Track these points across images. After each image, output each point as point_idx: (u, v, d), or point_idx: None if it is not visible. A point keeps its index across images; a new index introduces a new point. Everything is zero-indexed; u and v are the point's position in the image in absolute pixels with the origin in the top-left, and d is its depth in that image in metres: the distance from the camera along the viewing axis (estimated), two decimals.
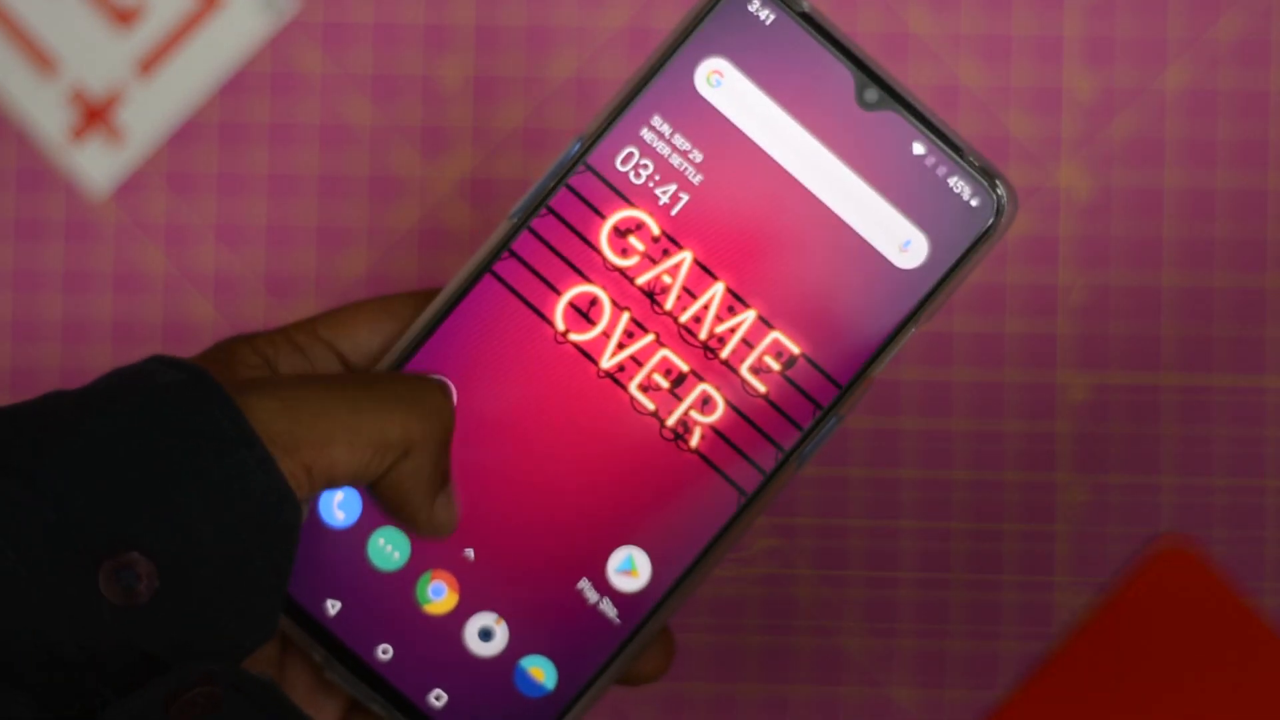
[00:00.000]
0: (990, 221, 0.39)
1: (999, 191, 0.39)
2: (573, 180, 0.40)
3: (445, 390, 0.38)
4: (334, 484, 0.36)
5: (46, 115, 0.60)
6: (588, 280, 0.40)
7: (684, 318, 0.39)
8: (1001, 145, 0.59)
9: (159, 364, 0.34)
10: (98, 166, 0.60)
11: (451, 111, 0.60)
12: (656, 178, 0.39)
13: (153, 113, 0.60)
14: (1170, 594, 0.57)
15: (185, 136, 0.60)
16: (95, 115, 0.60)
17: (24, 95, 0.60)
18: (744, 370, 0.39)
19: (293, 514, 0.34)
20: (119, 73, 0.60)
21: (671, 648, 0.40)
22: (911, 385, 0.59)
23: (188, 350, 0.60)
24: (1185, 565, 0.58)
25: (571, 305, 0.40)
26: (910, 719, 0.58)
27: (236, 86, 0.60)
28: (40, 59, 0.60)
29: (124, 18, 0.60)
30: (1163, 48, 0.59)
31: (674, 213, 0.39)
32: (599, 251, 0.40)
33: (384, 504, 0.38)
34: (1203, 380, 0.59)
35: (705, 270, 0.39)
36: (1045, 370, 0.59)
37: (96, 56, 0.60)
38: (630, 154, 0.39)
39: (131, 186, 0.60)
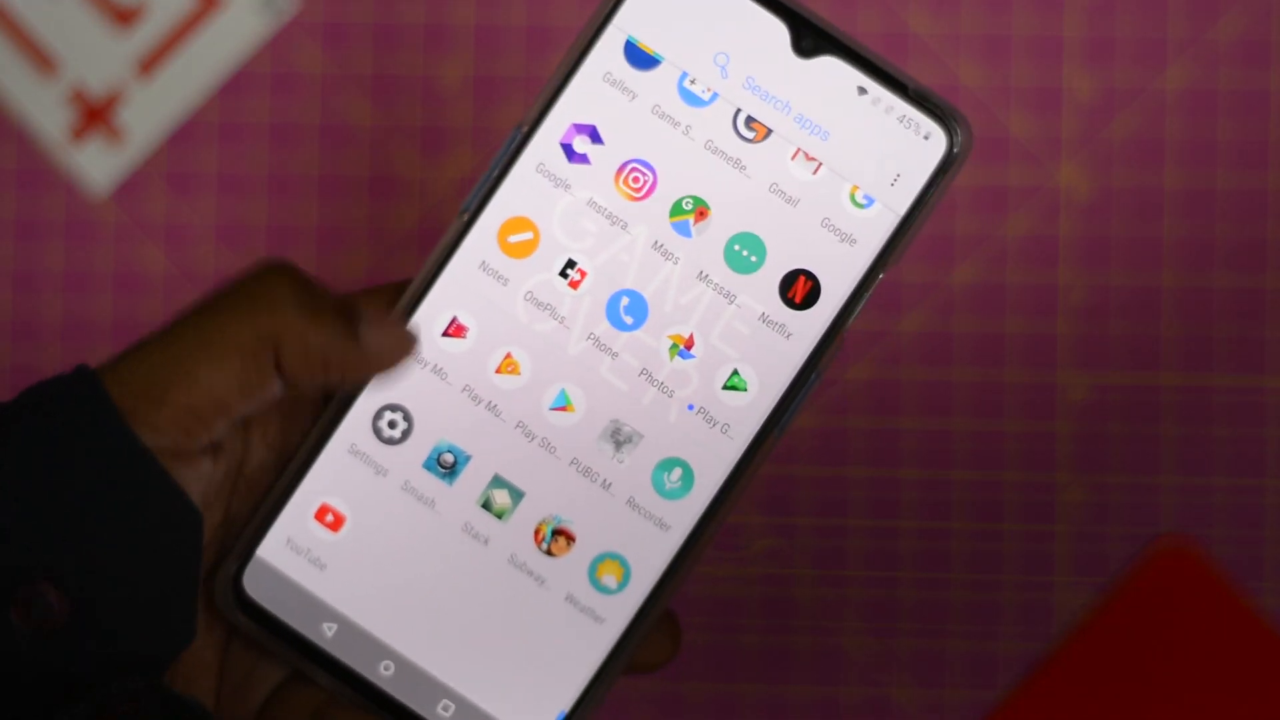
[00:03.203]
0: (946, 152, 0.38)
1: (950, 121, 0.38)
2: (517, 169, 0.39)
3: (278, 272, 0.35)
4: (233, 412, 0.35)
5: (46, 115, 0.60)
6: (544, 269, 0.39)
7: (646, 293, 0.39)
8: (1001, 145, 0.59)
9: (67, 380, 0.34)
10: (98, 166, 0.60)
11: (451, 111, 0.60)
12: (603, 156, 0.39)
13: (153, 113, 0.60)
14: (1170, 594, 0.57)
15: (185, 136, 0.60)
16: (95, 115, 0.60)
17: (24, 95, 0.60)
18: (714, 339, 0.39)
19: (194, 520, 0.34)
20: (119, 73, 0.60)
21: (677, 633, 0.40)
22: (911, 385, 0.59)
23: None
24: (1185, 565, 0.58)
25: (531, 295, 0.39)
26: (910, 719, 0.58)
27: (236, 86, 0.60)
28: (40, 59, 0.60)
29: (124, 18, 0.60)
30: (1163, 48, 0.59)
31: (624, 189, 0.39)
32: (552, 238, 0.39)
33: (329, 383, 0.37)
34: (1203, 380, 0.59)
35: (661, 244, 0.39)
36: (1045, 370, 0.59)
37: (96, 56, 0.60)
38: (573, 135, 0.39)
39: (131, 186, 0.60)
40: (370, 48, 0.60)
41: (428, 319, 0.39)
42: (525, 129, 0.39)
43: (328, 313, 0.36)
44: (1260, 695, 0.57)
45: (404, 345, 0.37)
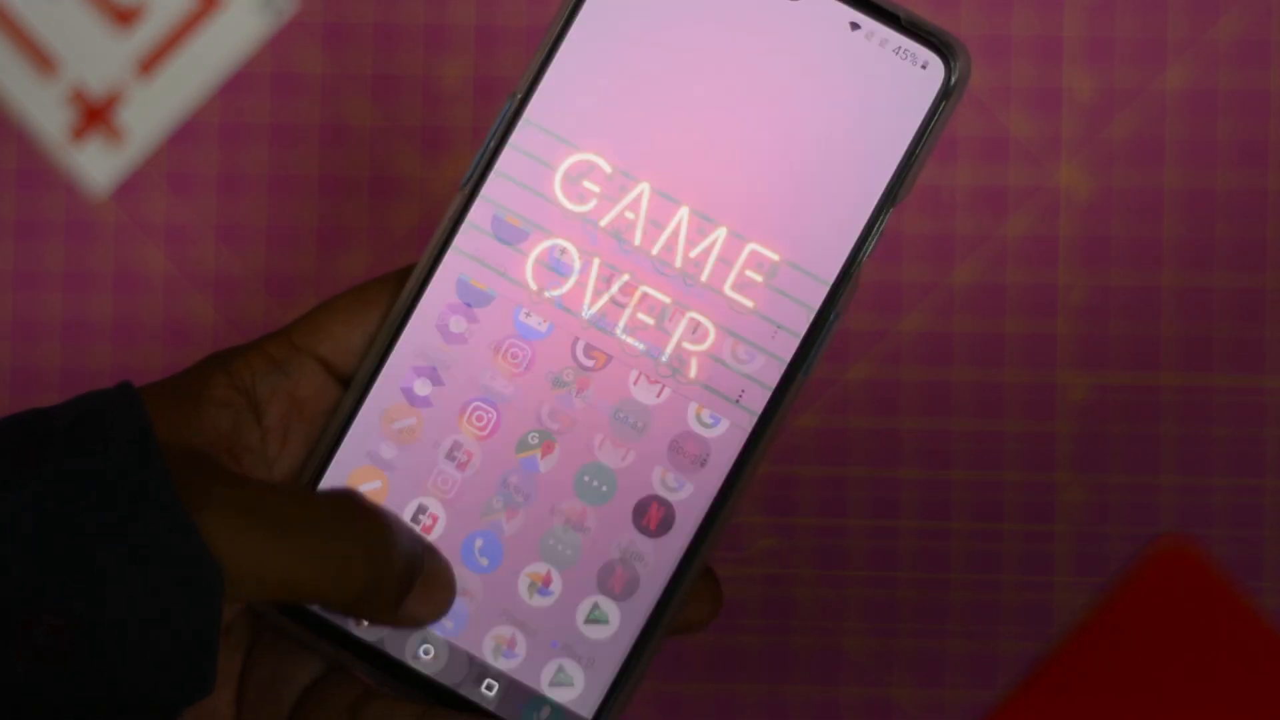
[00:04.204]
0: (944, 80, 0.38)
1: (947, 49, 0.38)
2: (514, 138, 0.39)
3: (370, 535, 0.36)
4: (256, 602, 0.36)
5: (46, 115, 0.60)
6: (550, 234, 0.39)
7: (655, 250, 0.39)
8: (1002, 145, 0.59)
9: (117, 407, 0.34)
10: (98, 166, 0.60)
11: (451, 111, 0.60)
12: (598, 115, 0.39)
13: (153, 113, 0.60)
14: (1170, 594, 0.57)
15: (185, 136, 0.60)
16: (95, 115, 0.60)
17: (24, 95, 0.60)
18: (728, 289, 0.38)
19: (213, 582, 0.33)
20: (119, 73, 0.60)
21: (717, 589, 0.39)
22: (911, 385, 0.59)
23: (186, 351, 0.60)
24: (1185, 565, 0.58)
25: (540, 262, 0.39)
26: (910, 719, 0.58)
27: (236, 86, 0.60)
28: (40, 59, 0.60)
29: (124, 18, 0.60)
30: (1163, 48, 0.59)
31: (622, 146, 0.39)
32: (555, 202, 0.39)
33: None
34: (1203, 380, 0.59)
35: (666, 197, 0.39)
36: (1045, 370, 0.59)
37: (96, 56, 0.60)
38: (566, 97, 0.39)
39: (131, 186, 0.60)
40: (370, 48, 0.60)
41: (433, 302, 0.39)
42: (519, 96, 0.39)
43: (385, 595, 0.36)
44: (1260, 695, 0.57)
45: (435, 617, 0.38)
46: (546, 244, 0.39)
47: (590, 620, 0.39)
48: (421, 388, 0.39)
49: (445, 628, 0.39)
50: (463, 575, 0.39)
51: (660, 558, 0.39)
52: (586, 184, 0.39)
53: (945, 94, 0.38)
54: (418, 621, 0.37)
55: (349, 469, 0.39)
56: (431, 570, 0.37)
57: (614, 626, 0.39)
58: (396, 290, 0.39)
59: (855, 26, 0.38)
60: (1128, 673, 0.57)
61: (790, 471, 0.59)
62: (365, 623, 0.38)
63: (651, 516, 0.39)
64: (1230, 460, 0.59)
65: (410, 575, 0.37)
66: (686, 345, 0.39)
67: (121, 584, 0.33)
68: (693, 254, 0.39)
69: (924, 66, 0.38)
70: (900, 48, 0.38)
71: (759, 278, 0.38)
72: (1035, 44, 0.59)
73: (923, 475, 0.59)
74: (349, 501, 0.36)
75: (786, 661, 0.58)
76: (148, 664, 0.33)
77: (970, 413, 0.59)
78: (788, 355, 0.38)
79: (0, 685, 0.32)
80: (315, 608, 0.38)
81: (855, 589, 0.59)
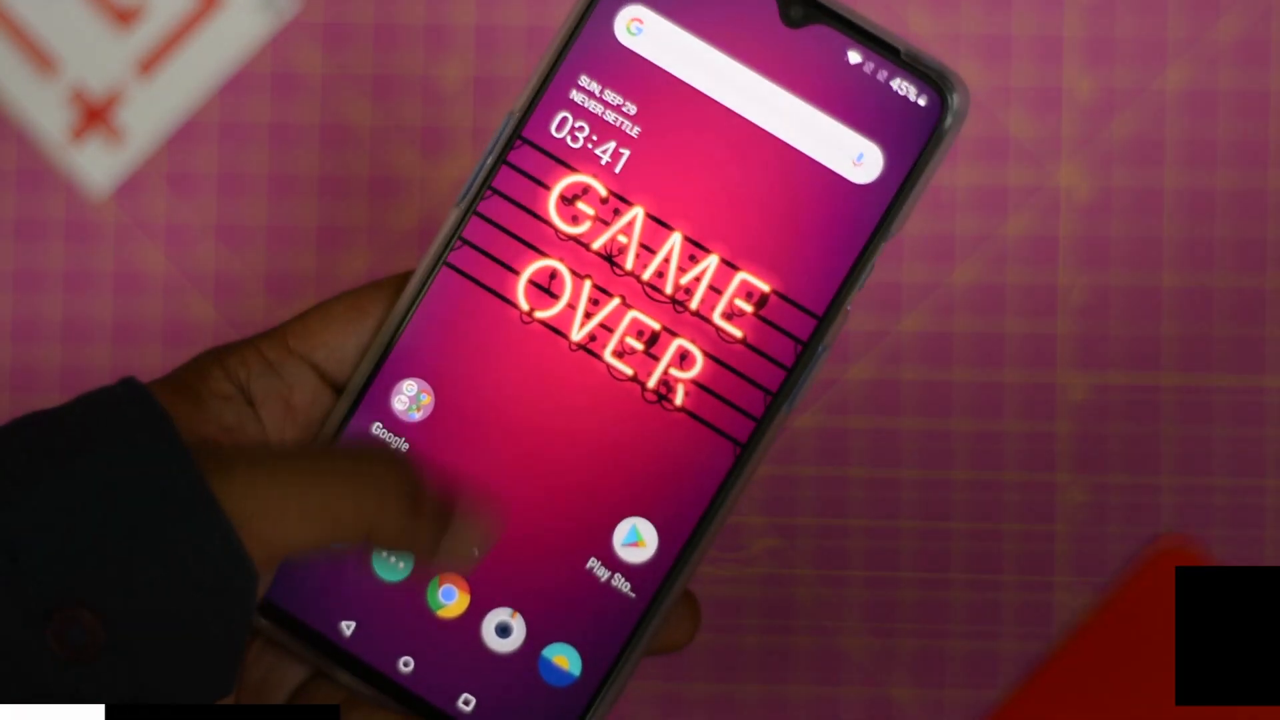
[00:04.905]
0: (941, 117, 0.38)
1: (945, 85, 0.38)
2: (511, 156, 0.39)
3: (398, 463, 0.37)
4: (299, 556, 0.36)
5: (46, 115, 0.60)
6: (543, 254, 0.39)
7: (646, 275, 0.39)
8: (1002, 145, 0.59)
9: (130, 403, 0.34)
10: (98, 166, 0.60)
11: (451, 111, 0.60)
12: (594, 138, 0.39)
13: (153, 113, 0.60)
14: (1171, 594, 0.57)
15: (185, 136, 0.60)
16: (95, 115, 0.60)
17: (24, 95, 0.60)
18: (716, 318, 0.39)
19: (246, 581, 0.34)
20: (119, 73, 0.60)
21: (697, 611, 0.40)
22: (911, 385, 0.59)
23: (186, 352, 0.60)
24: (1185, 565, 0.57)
25: (532, 283, 0.39)
26: (910, 719, 0.58)
27: (236, 86, 0.60)
28: (40, 59, 0.60)
29: (124, 18, 0.60)
30: (1163, 48, 0.59)
31: (618, 170, 0.39)
32: (549, 223, 0.39)
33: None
34: (1203, 380, 0.59)
35: (659, 222, 0.39)
36: (1045, 370, 0.59)
37: (96, 56, 0.60)
38: (564, 119, 0.39)
39: (131, 186, 0.60)
40: (370, 48, 0.60)
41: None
42: (517, 115, 0.39)
43: (424, 519, 0.37)
44: None
45: (475, 557, 0.38)
46: (538, 265, 0.39)
47: (570, 641, 0.39)
48: (412, 404, 0.39)
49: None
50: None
51: (640, 583, 0.39)
52: (581, 206, 0.39)
53: (942, 130, 0.38)
54: (456, 560, 0.38)
55: None
56: (464, 512, 0.38)
57: (594, 648, 0.39)
58: (391, 299, 0.39)
59: (854, 58, 0.38)
60: (1128, 673, 0.57)
61: (790, 471, 0.59)
62: (411, 557, 0.38)
63: (632, 543, 0.39)
64: (1230, 460, 0.59)
65: (446, 506, 0.37)
66: (673, 372, 0.39)
67: (159, 586, 0.33)
68: (683, 281, 0.39)
69: (921, 101, 0.38)
70: (898, 82, 0.38)
71: (749, 308, 0.39)
72: (1035, 44, 0.59)
73: (923, 475, 0.59)
74: (367, 439, 0.38)
75: (786, 661, 0.59)
76: (176, 665, 0.33)
77: (970, 413, 0.59)
78: (774, 386, 0.39)
79: (33, 677, 0.32)
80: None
81: (855, 589, 0.59)
